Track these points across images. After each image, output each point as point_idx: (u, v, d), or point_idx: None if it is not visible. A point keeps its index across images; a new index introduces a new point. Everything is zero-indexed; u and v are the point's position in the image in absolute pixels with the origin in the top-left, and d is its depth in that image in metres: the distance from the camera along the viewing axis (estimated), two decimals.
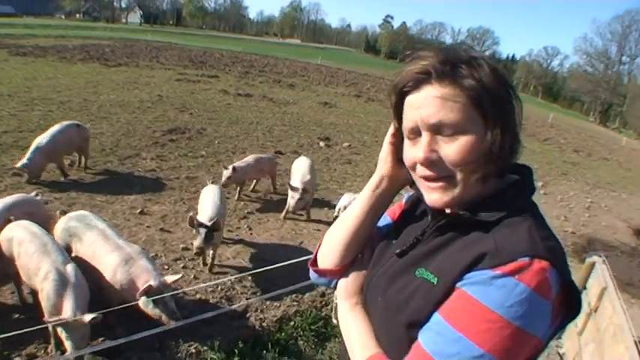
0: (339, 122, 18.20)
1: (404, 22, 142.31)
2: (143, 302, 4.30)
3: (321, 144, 14.16)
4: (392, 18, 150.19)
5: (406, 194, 1.58)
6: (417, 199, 1.47)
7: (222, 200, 6.54)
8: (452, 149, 1.12)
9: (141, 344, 4.39)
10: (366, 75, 45.14)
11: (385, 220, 1.57)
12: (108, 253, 4.56)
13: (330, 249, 1.52)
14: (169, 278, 4.48)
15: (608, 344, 4.07)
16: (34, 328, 3.90)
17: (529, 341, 1.00)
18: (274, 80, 27.79)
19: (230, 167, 8.27)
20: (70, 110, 13.18)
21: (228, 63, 33.92)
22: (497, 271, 1.00)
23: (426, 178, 1.18)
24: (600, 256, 5.25)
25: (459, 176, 1.14)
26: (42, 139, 8.07)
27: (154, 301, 4.28)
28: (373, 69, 57.28)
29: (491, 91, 1.11)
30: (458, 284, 1.06)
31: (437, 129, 1.13)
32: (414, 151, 1.19)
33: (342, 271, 1.50)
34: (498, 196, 1.16)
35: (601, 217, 12.09)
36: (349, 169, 12.17)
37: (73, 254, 4.74)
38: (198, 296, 5.49)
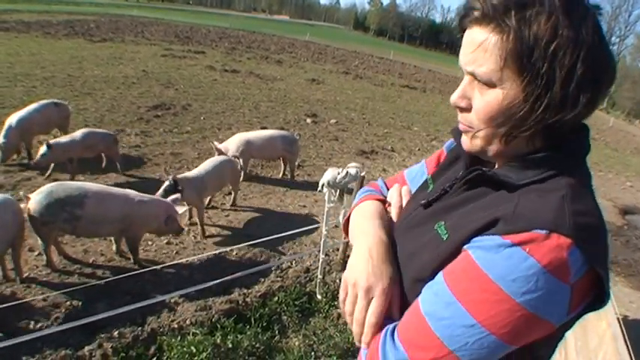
0: (326, 99, 18.11)
1: (393, 0, 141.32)
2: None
3: (308, 120, 14.09)
4: None
5: (448, 141, 1.47)
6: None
7: (210, 169, 6.77)
8: (479, 102, 1.03)
9: (122, 319, 4.38)
10: (354, 52, 44.95)
11: (422, 169, 1.52)
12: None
13: None
14: (180, 210, 5.59)
15: (590, 321, 4.07)
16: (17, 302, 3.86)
17: (534, 323, 0.91)
18: (261, 56, 27.59)
19: (45, 144, 7.04)
20: (54, 86, 12.99)
21: (215, 39, 33.56)
22: (507, 239, 0.90)
23: (460, 120, 1.12)
24: None
25: (482, 132, 1.05)
26: (16, 117, 7.75)
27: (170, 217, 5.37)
28: (362, 46, 57.05)
29: (541, 42, 0.93)
30: (465, 246, 0.99)
31: (473, 75, 1.03)
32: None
33: None
34: (541, 156, 1.02)
35: None
36: (336, 145, 12.12)
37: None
38: (180, 272, 5.45)
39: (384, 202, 1.45)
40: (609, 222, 10.41)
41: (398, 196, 1.41)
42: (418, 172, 1.52)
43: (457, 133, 1.18)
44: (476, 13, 1.00)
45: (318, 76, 23.56)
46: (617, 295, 6.35)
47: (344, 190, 5.48)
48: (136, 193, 5.42)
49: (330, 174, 5.60)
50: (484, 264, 0.92)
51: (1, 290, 4.74)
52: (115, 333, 4.26)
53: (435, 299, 0.99)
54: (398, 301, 1.14)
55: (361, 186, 5.49)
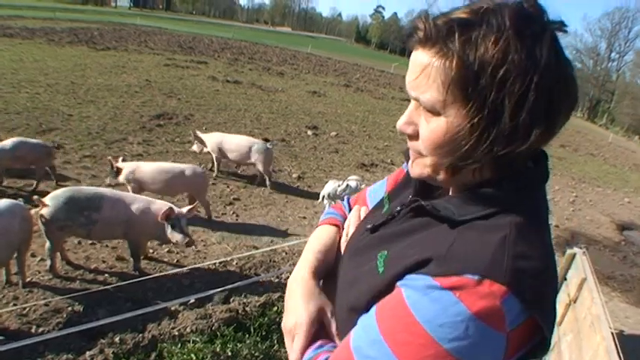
0: (327, 111, 18.19)
1: (395, 13, 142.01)
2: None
3: (309, 132, 14.15)
4: (383, 8, 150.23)
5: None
6: None
7: (159, 168, 6.99)
8: (424, 131, 0.94)
9: (123, 326, 4.42)
10: (355, 65, 45.04)
11: (383, 187, 1.44)
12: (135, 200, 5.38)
13: None
14: (185, 209, 5.46)
15: (585, 334, 4.12)
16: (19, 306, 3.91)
17: None
18: (263, 68, 27.68)
19: None
20: (57, 93, 13.08)
21: (218, 49, 33.70)
22: (437, 282, 0.83)
23: (409, 146, 1.03)
24: (581, 248, 5.31)
25: (429, 160, 0.96)
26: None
27: (172, 225, 5.22)
28: (363, 59, 57.21)
29: (488, 68, 0.83)
30: (399, 282, 0.91)
31: (417, 101, 0.94)
32: None
33: None
34: (489, 190, 0.93)
35: (585, 212, 12.21)
36: (336, 158, 12.19)
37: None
38: (181, 280, 5.50)
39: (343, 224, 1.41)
40: (606, 237, 10.48)
41: (355, 219, 1.35)
42: (379, 191, 1.44)
43: (407, 156, 1.10)
44: (420, 34, 0.91)
45: (319, 88, 23.66)
46: (613, 311, 6.39)
47: None
48: (147, 198, 5.51)
49: (330, 186, 5.68)
50: (413, 304, 0.84)
51: (4, 294, 4.79)
52: (116, 339, 4.31)
53: (363, 335, 0.92)
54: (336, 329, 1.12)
55: None
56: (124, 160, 7.04)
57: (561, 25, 0.90)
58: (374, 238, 1.12)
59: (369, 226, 1.15)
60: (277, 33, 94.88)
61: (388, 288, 0.93)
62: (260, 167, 8.94)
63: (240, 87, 19.62)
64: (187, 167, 7.03)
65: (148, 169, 6.88)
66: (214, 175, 9.19)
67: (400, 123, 1.00)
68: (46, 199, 4.91)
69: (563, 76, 0.87)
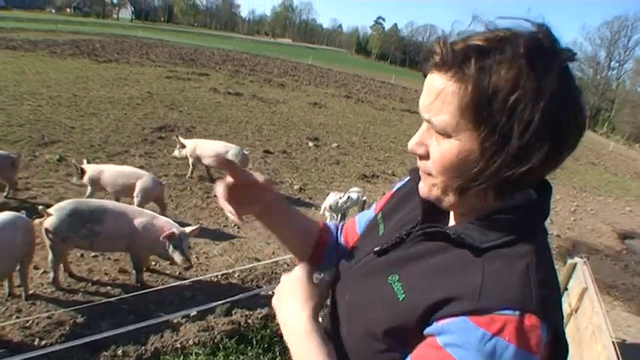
0: (328, 123, 18.22)
1: (395, 24, 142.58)
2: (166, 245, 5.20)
3: (310, 144, 14.17)
4: (383, 20, 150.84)
5: (398, 183, 1.45)
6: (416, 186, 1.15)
7: (120, 171, 7.16)
8: (435, 152, 0.97)
9: (126, 338, 4.43)
10: (356, 76, 45.20)
11: (371, 213, 1.46)
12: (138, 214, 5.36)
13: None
14: (188, 229, 5.38)
15: (586, 344, 4.13)
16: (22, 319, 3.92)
17: None
18: (264, 79, 27.78)
19: None
20: (59, 105, 13.13)
21: (219, 61, 33.84)
22: (478, 327, 0.84)
23: (419, 166, 1.06)
24: (582, 258, 5.33)
25: (438, 180, 0.99)
26: None
27: (174, 245, 5.17)
28: (364, 70, 57.39)
29: (500, 94, 0.87)
30: (430, 329, 0.92)
31: (430, 123, 0.98)
32: None
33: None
34: (505, 217, 0.97)
35: (586, 221, 12.21)
36: (337, 169, 12.20)
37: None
38: (184, 292, 5.51)
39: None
40: (608, 247, 10.47)
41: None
42: (369, 217, 1.46)
43: (416, 175, 1.13)
44: (436, 58, 0.94)
45: (320, 99, 23.70)
46: (615, 320, 6.39)
47: (345, 213, 5.56)
48: (151, 213, 5.53)
49: (332, 198, 5.70)
50: None
51: (6, 307, 4.81)
52: (119, 351, 4.32)
53: None
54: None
55: (362, 209, 5.58)
56: (88, 163, 7.29)
57: (570, 55, 0.93)
58: (381, 261, 1.14)
59: (376, 249, 1.17)
60: (278, 44, 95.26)
61: (411, 320, 0.95)
62: None
63: (242, 99, 19.69)
64: (145, 174, 7.14)
65: (109, 172, 7.07)
66: (187, 176, 9.48)
67: (412, 144, 1.03)
68: (51, 210, 4.94)
69: (573, 105, 0.91)
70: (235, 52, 46.42)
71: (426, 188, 1.04)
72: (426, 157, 1.01)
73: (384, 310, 1.01)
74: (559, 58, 0.90)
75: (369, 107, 24.93)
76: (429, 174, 1.01)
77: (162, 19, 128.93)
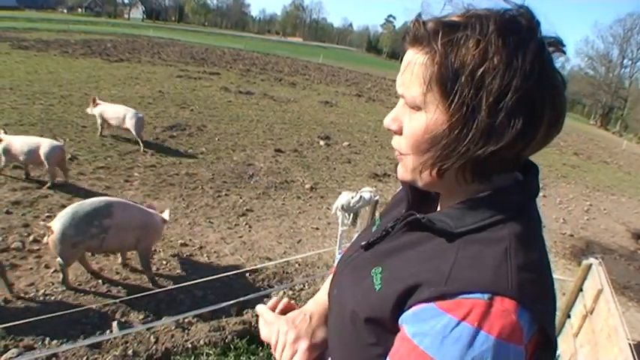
0: (339, 121, 18.20)
1: (406, 23, 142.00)
2: None
3: (321, 143, 14.15)
4: (394, 18, 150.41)
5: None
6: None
7: (24, 139, 7.73)
8: (407, 127, 0.97)
9: (136, 338, 4.42)
10: (367, 75, 45.13)
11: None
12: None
13: None
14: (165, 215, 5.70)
15: (602, 346, 4.07)
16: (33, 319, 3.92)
17: None
18: (275, 78, 27.80)
19: None
20: (71, 105, 13.20)
21: (230, 60, 33.90)
22: (445, 312, 0.81)
23: (393, 144, 1.05)
24: (597, 258, 5.26)
25: (410, 159, 0.98)
26: None
27: None
28: (374, 69, 57.32)
29: (467, 67, 0.85)
30: (401, 319, 0.90)
31: (403, 97, 0.97)
32: None
33: None
34: (483, 198, 0.94)
35: (600, 220, 12.11)
36: (349, 168, 12.17)
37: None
38: (194, 292, 5.50)
39: None
40: (622, 246, 10.38)
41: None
42: None
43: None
44: (410, 35, 0.94)
45: (331, 98, 23.69)
46: (629, 321, 6.31)
47: (357, 213, 5.52)
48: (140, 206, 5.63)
49: (344, 198, 5.65)
50: (435, 353, 0.80)
51: (16, 306, 4.81)
52: (130, 351, 4.30)
53: None
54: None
55: (374, 209, 5.53)
56: (5, 133, 7.77)
57: (555, 42, 0.91)
58: (368, 255, 1.12)
59: (362, 243, 1.15)
60: (289, 43, 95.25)
61: (384, 310, 0.93)
62: (133, 132, 10.41)
63: (253, 98, 19.70)
64: (46, 140, 7.78)
65: (18, 142, 7.62)
66: (98, 134, 10.89)
67: (387, 120, 1.02)
68: (52, 224, 4.90)
69: (549, 85, 0.87)
70: (246, 51, 46.49)
71: (402, 169, 1.03)
72: (399, 133, 1.00)
73: (363, 300, 1.00)
74: (535, 37, 0.87)
75: (380, 106, 24.86)
76: (401, 152, 1.00)
77: (173, 18, 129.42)
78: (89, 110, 10.88)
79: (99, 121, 10.72)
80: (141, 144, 10.55)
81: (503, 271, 0.82)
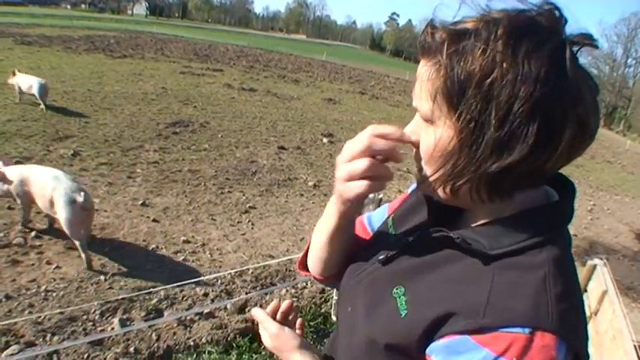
0: (342, 119, 18.14)
1: (409, 20, 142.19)
2: None
3: (325, 140, 14.10)
4: (397, 15, 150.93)
5: (412, 185, 1.30)
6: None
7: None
8: (422, 140, 0.93)
9: (138, 335, 4.40)
10: (370, 72, 45.08)
11: (382, 212, 1.37)
12: None
13: (312, 257, 1.33)
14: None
15: (607, 348, 4.05)
16: (34, 315, 3.90)
17: None
18: (279, 75, 27.75)
19: None
20: (74, 100, 13.18)
21: (233, 57, 33.86)
22: (479, 343, 0.77)
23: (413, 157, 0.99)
24: (601, 259, 5.23)
25: (427, 172, 0.93)
26: None
27: None
28: (378, 66, 57.28)
29: (474, 79, 0.79)
30: (430, 349, 0.85)
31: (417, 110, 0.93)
32: None
33: (330, 280, 1.32)
34: (521, 219, 0.88)
35: (603, 221, 12.07)
36: None
37: None
38: (197, 289, 5.48)
39: None
40: (625, 246, 10.35)
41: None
42: (378, 216, 1.38)
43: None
44: (419, 45, 0.90)
45: (334, 95, 23.61)
46: (633, 322, 6.27)
47: (361, 211, 5.50)
48: None
49: None
50: None
51: (19, 302, 4.79)
52: (131, 349, 4.28)
53: None
54: None
55: (377, 208, 5.51)
56: None
57: (583, 40, 0.83)
58: (387, 271, 1.05)
59: (381, 257, 1.07)
60: (292, 40, 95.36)
61: (411, 340, 0.87)
62: (37, 97, 11.70)
63: (256, 94, 19.66)
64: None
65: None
66: (17, 100, 12.08)
67: (406, 132, 0.97)
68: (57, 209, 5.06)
69: (570, 91, 0.79)
70: (249, 47, 46.48)
71: (420, 182, 0.98)
72: (417, 146, 0.95)
73: (385, 326, 0.93)
74: (554, 39, 0.79)
75: (383, 103, 24.84)
76: (418, 167, 0.96)
77: (177, 14, 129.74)
78: (10, 80, 12.24)
79: (16, 89, 12.06)
80: (43, 106, 11.78)
81: (543, 303, 0.78)
